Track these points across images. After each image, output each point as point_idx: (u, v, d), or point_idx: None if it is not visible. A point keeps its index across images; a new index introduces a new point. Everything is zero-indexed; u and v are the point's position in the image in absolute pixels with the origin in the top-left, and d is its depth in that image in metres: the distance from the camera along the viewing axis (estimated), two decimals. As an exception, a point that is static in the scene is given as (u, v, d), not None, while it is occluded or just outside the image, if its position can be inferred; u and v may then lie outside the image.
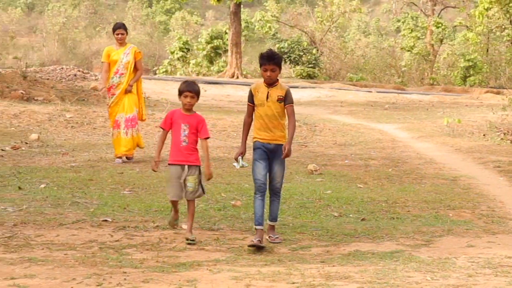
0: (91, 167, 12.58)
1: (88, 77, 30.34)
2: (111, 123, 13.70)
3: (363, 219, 9.37)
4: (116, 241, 7.77)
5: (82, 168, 12.40)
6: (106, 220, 8.64)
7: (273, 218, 8.14)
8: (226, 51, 49.50)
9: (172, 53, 56.25)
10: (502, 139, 18.58)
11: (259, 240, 7.56)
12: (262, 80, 8.11)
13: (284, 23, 59.85)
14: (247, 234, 8.21)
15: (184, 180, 7.89)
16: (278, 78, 8.02)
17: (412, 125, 22.19)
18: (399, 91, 39.52)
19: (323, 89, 37.37)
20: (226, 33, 51.46)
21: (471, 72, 49.36)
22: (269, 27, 55.73)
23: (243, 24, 51.70)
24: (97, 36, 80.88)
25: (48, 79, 27.72)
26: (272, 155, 7.94)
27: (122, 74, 13.44)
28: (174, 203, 8.09)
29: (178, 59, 55.56)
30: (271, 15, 56.44)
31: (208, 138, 8.07)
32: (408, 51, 54.62)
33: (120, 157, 13.34)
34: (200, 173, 8.01)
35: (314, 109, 28.04)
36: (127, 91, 13.43)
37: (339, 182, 12.12)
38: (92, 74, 31.79)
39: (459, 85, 47.80)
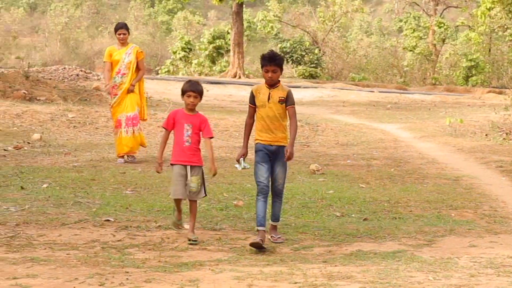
0: (94, 167, 12.58)
1: (91, 77, 30.34)
2: (114, 122, 13.69)
3: (365, 219, 9.37)
4: (118, 241, 7.78)
5: (85, 168, 12.41)
6: (108, 220, 8.64)
7: (276, 218, 8.14)
8: (228, 51, 49.51)
9: (174, 53, 56.26)
10: (504, 139, 18.56)
11: (261, 239, 7.55)
12: (264, 80, 8.10)
13: (286, 23, 59.81)
14: (249, 234, 8.22)
15: (187, 180, 7.89)
16: (279, 79, 8.00)
17: (414, 125, 22.18)
18: (401, 91, 39.52)
19: (325, 89, 37.36)
20: (228, 33, 51.47)
21: (473, 72, 49.36)
22: (271, 27, 55.73)
23: (245, 24, 51.63)
24: (99, 36, 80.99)
25: (50, 79, 27.73)
26: (274, 156, 7.92)
27: (124, 74, 13.43)
28: (177, 203, 8.07)
29: (180, 59, 55.57)
30: (273, 15, 56.42)
31: (212, 137, 8.08)
32: (410, 51, 54.61)
33: (122, 157, 13.34)
34: (203, 173, 8.02)
35: (316, 109, 28.03)
36: (130, 91, 13.42)
37: (341, 182, 12.12)
38: (95, 74, 31.78)
39: (461, 85, 47.79)
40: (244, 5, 45.95)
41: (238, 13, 44.33)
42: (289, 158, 7.87)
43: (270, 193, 8.00)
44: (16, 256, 6.94)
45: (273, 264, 7.00)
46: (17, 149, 14.24)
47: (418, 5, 61.95)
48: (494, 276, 6.60)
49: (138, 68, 13.59)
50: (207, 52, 54.32)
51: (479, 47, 51.34)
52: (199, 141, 8.01)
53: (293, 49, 50.51)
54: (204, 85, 8.41)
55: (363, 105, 30.52)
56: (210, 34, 55.00)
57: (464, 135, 19.60)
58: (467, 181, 12.69)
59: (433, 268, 6.85)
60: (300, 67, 49.69)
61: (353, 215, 9.62)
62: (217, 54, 54.39)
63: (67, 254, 7.10)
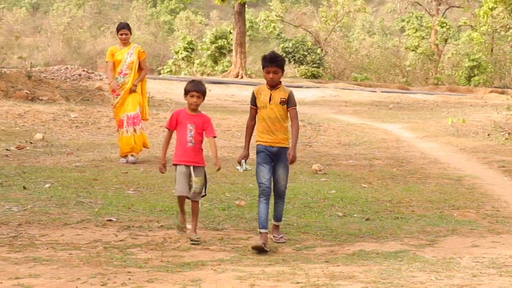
0: (96, 167, 12.59)
1: (93, 77, 30.34)
2: (117, 122, 13.69)
3: (367, 219, 9.37)
4: (120, 240, 7.78)
5: (87, 168, 12.42)
6: (110, 220, 8.65)
7: (278, 219, 8.13)
8: (230, 51, 49.51)
9: (177, 53, 56.28)
10: (506, 139, 18.56)
11: (263, 242, 7.53)
12: (265, 81, 8.08)
13: (289, 23, 59.81)
14: (251, 234, 8.22)
15: (190, 181, 7.89)
16: (281, 80, 7.98)
17: (416, 125, 22.19)
18: (404, 91, 39.51)
19: (328, 88, 37.36)
20: (230, 33, 51.47)
21: (476, 72, 49.36)
22: (274, 27, 55.72)
23: (247, 24, 51.70)
24: (101, 36, 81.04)
25: (52, 79, 27.72)
26: (275, 158, 7.89)
27: (126, 74, 13.41)
28: (181, 203, 8.02)
29: (183, 59, 55.59)
30: (276, 15, 56.40)
31: (215, 137, 8.07)
32: (413, 50, 54.63)
33: (124, 157, 13.33)
34: (205, 174, 8.02)
35: (318, 108, 28.04)
36: (132, 91, 13.40)
37: (344, 182, 12.12)
38: (97, 74, 31.79)
39: (464, 85, 47.80)
40: (246, 5, 45.92)
41: (240, 13, 44.33)
42: (292, 161, 7.85)
43: (272, 193, 7.98)
44: (18, 256, 6.94)
45: (275, 264, 7.00)
46: (20, 149, 14.25)
47: (420, 5, 61.94)
48: (496, 276, 6.59)
49: (140, 68, 13.57)
50: (209, 52, 54.34)
51: (481, 47, 51.35)
52: (202, 141, 8.01)
53: (295, 49, 50.54)
54: (206, 85, 8.40)
55: (365, 105, 30.52)
56: (212, 34, 55.03)
57: (466, 135, 19.60)
58: (469, 181, 12.69)
59: (435, 268, 6.84)
60: (302, 67, 49.71)
61: (355, 215, 9.62)
62: (219, 54, 54.42)
63: (69, 254, 7.10)
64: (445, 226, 9.02)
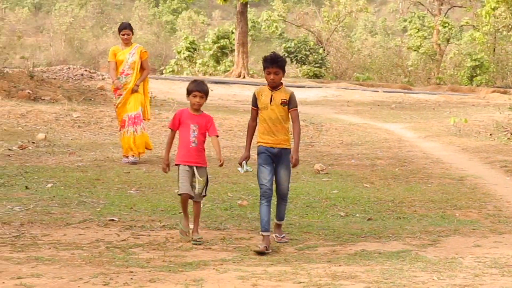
0: (98, 167, 12.59)
1: (95, 77, 30.36)
2: (119, 123, 13.67)
3: (369, 219, 9.37)
4: (122, 240, 7.78)
5: (89, 168, 12.42)
6: (112, 220, 8.65)
7: (280, 218, 8.12)
8: (232, 50, 49.52)
9: (179, 52, 56.30)
10: (509, 138, 18.55)
11: (265, 246, 7.51)
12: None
13: (291, 22, 59.82)
14: (253, 234, 8.22)
15: (193, 181, 7.89)
16: (282, 81, 7.95)
17: (418, 124, 22.18)
18: (406, 90, 39.52)
19: (330, 88, 37.37)
20: (232, 32, 51.48)
21: (478, 72, 49.33)
22: (276, 27, 55.72)
23: (249, 24, 51.73)
24: (104, 36, 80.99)
25: (55, 78, 27.76)
26: (276, 159, 7.85)
27: (128, 74, 13.40)
28: (184, 203, 7.97)
29: (185, 58, 55.61)
30: (278, 15, 56.42)
31: (217, 136, 8.06)
32: (415, 50, 54.59)
33: (126, 157, 13.33)
34: (207, 175, 8.02)
35: (320, 108, 28.05)
36: (134, 91, 13.39)
37: (346, 182, 12.12)
38: (99, 74, 31.81)
39: (466, 85, 47.78)
40: (248, 5, 45.96)
41: (243, 13, 44.34)
42: (295, 165, 7.82)
43: (274, 194, 7.96)
44: (20, 255, 6.95)
45: (277, 264, 7.01)
46: (22, 149, 14.25)
47: (422, 4, 61.90)
48: (499, 276, 6.59)
49: (142, 68, 13.56)
50: (211, 52, 54.36)
51: (483, 46, 51.32)
52: (204, 141, 8.01)
53: (298, 49, 50.54)
54: (208, 85, 8.39)
55: (367, 104, 30.53)
56: (215, 34, 55.05)
57: (469, 135, 19.59)
58: (472, 181, 12.68)
59: (437, 268, 6.84)
60: (304, 67, 49.72)
61: (357, 215, 9.62)
62: (221, 54, 54.44)
63: (72, 254, 7.11)
64: (447, 226, 9.01)
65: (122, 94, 13.39)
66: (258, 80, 38.55)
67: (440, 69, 53.79)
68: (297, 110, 7.91)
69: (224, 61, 53.65)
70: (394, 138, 18.95)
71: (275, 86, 7.86)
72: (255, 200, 9.82)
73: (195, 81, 8.18)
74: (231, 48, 51.22)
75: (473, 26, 53.38)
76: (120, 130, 13.66)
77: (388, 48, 58.93)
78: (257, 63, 55.81)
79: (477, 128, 20.87)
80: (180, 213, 8.55)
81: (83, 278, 6.23)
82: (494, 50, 52.48)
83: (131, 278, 6.26)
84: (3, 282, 5.98)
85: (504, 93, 38.43)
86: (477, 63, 49.22)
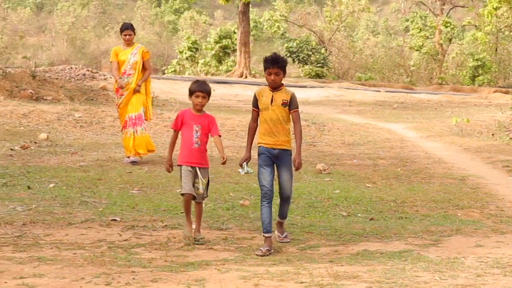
0: (100, 167, 12.60)
1: (97, 77, 30.37)
2: (121, 123, 13.65)
3: (371, 219, 9.37)
4: (124, 240, 7.79)
5: (91, 168, 12.43)
6: (115, 220, 8.65)
7: (283, 217, 8.10)
8: (234, 50, 49.54)
9: (181, 52, 56.31)
10: (511, 138, 18.53)
11: (267, 249, 7.50)
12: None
13: (293, 22, 59.78)
14: (255, 234, 8.22)
15: (196, 182, 7.89)
16: (283, 81, 7.93)
17: (420, 124, 22.17)
18: (408, 90, 39.49)
19: (332, 88, 37.36)
20: (234, 32, 51.49)
21: (480, 72, 49.31)
22: (278, 27, 55.72)
23: (251, 24, 51.65)
24: (106, 36, 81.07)
25: (57, 78, 27.77)
26: (277, 161, 7.81)
27: (130, 74, 13.38)
28: (187, 204, 7.93)
29: (187, 58, 55.62)
30: (280, 15, 56.40)
31: (220, 136, 8.05)
32: (417, 50, 54.56)
33: (128, 157, 13.32)
34: (208, 176, 8.02)
35: (322, 108, 28.04)
36: (136, 91, 13.38)
37: (348, 182, 12.12)
38: (101, 74, 31.81)
39: (468, 85, 47.74)
40: (250, 5, 45.96)
41: (245, 13, 44.34)
42: (298, 168, 7.80)
43: (276, 194, 7.95)
44: (22, 255, 6.95)
45: (279, 264, 7.01)
46: (24, 149, 14.26)
47: (424, 4, 61.90)
48: (501, 276, 6.59)
49: (144, 68, 13.55)
50: (213, 52, 54.34)
51: (485, 46, 51.28)
52: (206, 142, 8.00)
53: (300, 49, 50.51)
54: (210, 85, 8.39)
55: (369, 104, 30.51)
56: (217, 33, 55.03)
57: (471, 134, 19.58)
58: (474, 180, 12.68)
59: (439, 268, 6.84)
60: (306, 67, 49.69)
61: (359, 215, 9.62)
62: (223, 53, 54.42)
63: (74, 254, 7.11)
64: (449, 226, 9.01)
65: (123, 94, 13.38)
66: (260, 80, 38.53)
67: (442, 69, 53.76)
68: (298, 111, 7.86)
69: (226, 61, 53.63)
70: (396, 138, 18.95)
71: (275, 86, 7.82)
72: (257, 200, 9.81)
73: (197, 81, 8.17)
74: (233, 48, 51.23)
75: (475, 26, 53.32)
76: (122, 130, 13.67)
77: (390, 48, 58.92)
78: (259, 63, 55.72)
79: (479, 128, 20.85)
80: (182, 213, 8.55)
81: (85, 278, 6.24)
82: (496, 50, 52.46)
83: (133, 278, 6.26)
84: (5, 282, 5.99)
85: (506, 93, 38.40)
86: (479, 63, 49.20)
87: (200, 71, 53.46)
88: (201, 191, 7.90)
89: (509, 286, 6.26)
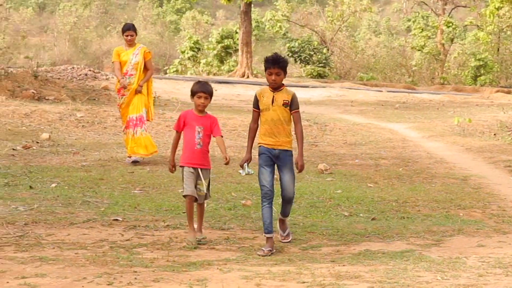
0: (102, 167, 12.60)
1: (99, 77, 30.37)
2: (123, 123, 13.64)
3: (373, 219, 9.37)
4: (126, 240, 7.79)
5: (93, 168, 12.43)
6: (116, 220, 8.65)
7: (285, 215, 8.08)
8: (236, 50, 49.53)
9: (183, 52, 56.33)
10: (513, 138, 18.55)
11: (269, 249, 7.49)
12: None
13: (295, 22, 59.80)
14: (257, 233, 8.22)
15: (197, 183, 7.88)
16: (285, 81, 7.91)
17: (422, 124, 22.17)
18: (410, 90, 39.50)
19: (334, 88, 37.36)
20: (236, 32, 51.50)
21: (482, 72, 49.31)
22: (280, 27, 55.72)
23: (253, 24, 51.67)
24: (108, 36, 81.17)
25: (59, 78, 27.77)
26: (278, 162, 7.78)
27: (132, 75, 13.37)
28: (190, 205, 7.90)
29: (189, 58, 55.64)
30: (282, 15, 56.40)
31: (222, 136, 8.04)
32: (419, 50, 54.58)
33: (130, 156, 13.31)
34: (209, 176, 8.02)
35: (324, 108, 28.04)
36: (137, 92, 13.37)
37: (350, 182, 12.12)
38: (103, 74, 31.81)
39: (470, 85, 47.76)
40: (252, 5, 45.95)
41: (247, 13, 44.34)
42: (301, 170, 7.78)
43: (278, 194, 7.94)
44: (24, 255, 6.95)
45: (281, 264, 7.01)
46: (26, 149, 14.27)
47: (426, 4, 61.91)
48: (503, 276, 6.58)
49: (146, 68, 13.55)
50: (215, 52, 54.37)
51: (487, 46, 51.29)
52: (209, 143, 7.99)
53: (301, 49, 50.54)
54: (212, 85, 8.38)
55: (371, 104, 30.50)
56: (219, 33, 55.06)
57: (473, 134, 19.58)
58: (476, 180, 12.68)
59: (441, 268, 6.84)
60: (308, 67, 49.71)
61: (361, 215, 9.62)
62: (225, 53, 54.44)
63: (76, 254, 7.11)
64: (451, 225, 9.01)
65: (125, 94, 13.38)
66: (262, 80, 38.52)
67: (444, 69, 53.78)
68: (299, 111, 7.82)
69: (228, 61, 53.65)
70: (398, 138, 18.95)
71: (276, 87, 7.77)
72: (259, 200, 9.77)
73: (199, 82, 8.15)
74: (235, 48, 51.23)
75: (477, 25, 53.31)
76: (123, 131, 13.67)
77: (392, 48, 58.96)
78: (261, 62, 55.26)
79: (481, 128, 20.85)
80: (183, 212, 8.55)
81: (87, 277, 6.24)
82: (498, 50, 52.47)
83: (135, 278, 6.26)
84: (7, 282, 5.99)
85: (508, 93, 38.39)
86: (481, 63, 49.20)
87: (202, 71, 53.48)
88: (203, 192, 7.89)
89: (511, 286, 6.26)
